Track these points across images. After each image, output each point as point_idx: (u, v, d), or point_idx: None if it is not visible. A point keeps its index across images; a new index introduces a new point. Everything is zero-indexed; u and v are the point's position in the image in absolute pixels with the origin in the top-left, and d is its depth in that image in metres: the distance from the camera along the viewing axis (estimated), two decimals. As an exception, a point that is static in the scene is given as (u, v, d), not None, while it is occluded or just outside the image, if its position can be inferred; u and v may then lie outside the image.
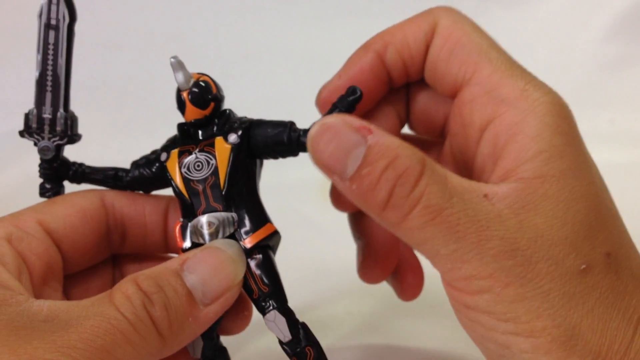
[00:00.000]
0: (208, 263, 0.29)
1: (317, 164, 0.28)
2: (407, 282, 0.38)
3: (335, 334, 0.43)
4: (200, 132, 0.33)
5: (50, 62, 0.33)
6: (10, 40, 0.81)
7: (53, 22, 0.33)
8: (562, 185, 0.28)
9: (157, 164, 0.34)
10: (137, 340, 0.26)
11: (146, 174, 0.34)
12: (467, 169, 0.33)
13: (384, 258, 0.37)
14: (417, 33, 0.33)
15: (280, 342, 0.31)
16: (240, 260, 0.31)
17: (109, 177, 0.35)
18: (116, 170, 0.35)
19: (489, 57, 0.31)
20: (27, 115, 0.34)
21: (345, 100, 0.31)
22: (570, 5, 0.84)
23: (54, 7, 0.33)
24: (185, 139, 0.33)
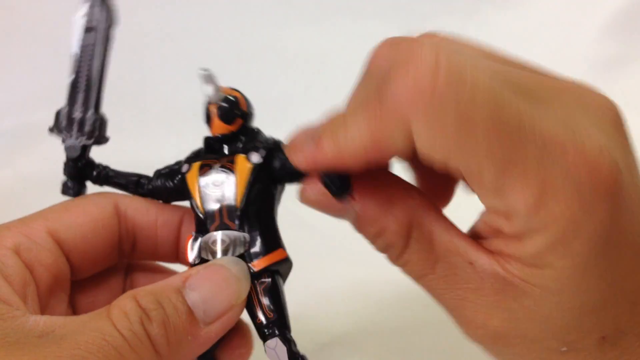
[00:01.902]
0: (211, 280, 0.29)
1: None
2: None
3: (330, 335, 0.43)
4: (225, 148, 0.33)
5: (85, 64, 0.33)
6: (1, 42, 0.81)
7: (92, 24, 0.33)
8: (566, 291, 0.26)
9: (179, 176, 0.34)
10: (132, 358, 0.26)
11: (167, 185, 0.34)
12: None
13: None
14: (394, 140, 0.26)
15: None
16: (245, 279, 0.30)
17: (131, 183, 0.35)
18: (139, 177, 0.35)
19: (492, 154, 0.24)
20: (58, 113, 0.34)
21: (335, 189, 0.29)
22: (563, 5, 0.84)
23: (94, 10, 0.33)
24: (209, 152, 0.33)
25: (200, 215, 0.32)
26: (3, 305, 0.27)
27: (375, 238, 0.29)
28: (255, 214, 0.32)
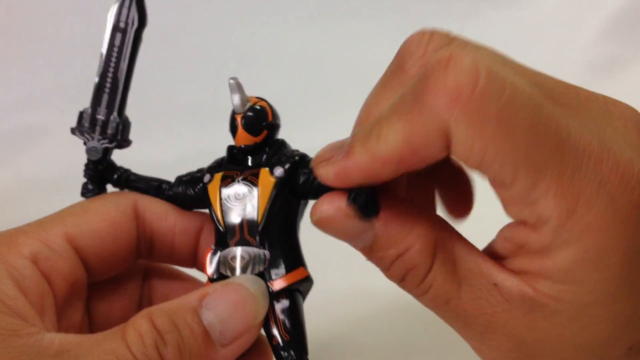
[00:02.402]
0: (228, 300, 0.28)
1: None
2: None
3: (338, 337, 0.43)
4: (249, 159, 0.32)
5: (112, 65, 0.33)
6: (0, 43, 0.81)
7: (122, 24, 0.33)
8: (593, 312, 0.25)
9: (200, 185, 0.33)
10: None
11: (188, 193, 0.33)
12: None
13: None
14: (430, 149, 0.25)
15: None
16: (263, 299, 0.29)
17: (152, 189, 0.34)
18: (160, 182, 0.34)
19: (527, 160, 0.24)
20: (81, 114, 0.33)
21: (364, 206, 0.27)
22: (561, 7, 0.84)
23: (124, 10, 0.33)
24: (232, 163, 0.32)
25: (221, 229, 0.31)
26: (19, 320, 0.26)
27: (395, 261, 0.27)
28: (277, 230, 0.31)
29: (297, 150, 0.32)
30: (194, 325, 0.27)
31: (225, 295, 0.28)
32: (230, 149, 0.33)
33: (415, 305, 0.40)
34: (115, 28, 0.33)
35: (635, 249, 0.24)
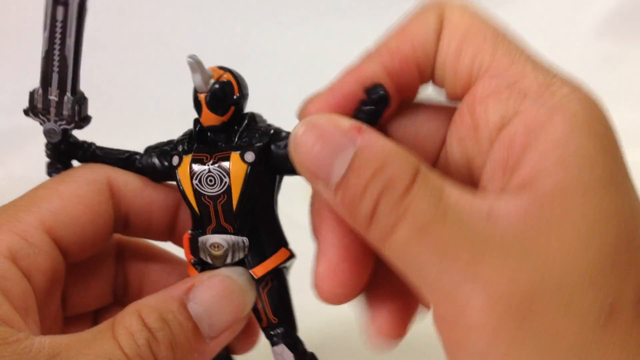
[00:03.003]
0: (216, 292, 0.28)
1: (300, 169, 0.26)
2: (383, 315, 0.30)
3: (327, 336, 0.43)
4: (216, 138, 0.30)
5: (57, 42, 0.30)
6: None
7: None
8: (589, 201, 0.22)
9: (167, 161, 0.32)
10: None
11: (157, 165, 0.32)
12: (472, 183, 0.28)
13: (353, 262, 0.29)
14: (425, 29, 0.28)
15: None
16: (251, 290, 0.29)
17: (120, 161, 0.33)
18: (129, 154, 0.33)
19: (507, 46, 0.26)
20: (32, 94, 0.31)
21: (369, 109, 0.27)
22: (558, 3, 0.84)
23: None
24: (201, 142, 0.30)
25: (196, 214, 0.30)
26: (6, 327, 0.25)
27: (370, 181, 0.23)
28: (253, 215, 0.30)
29: (270, 125, 0.30)
30: (183, 320, 0.26)
31: (212, 288, 0.28)
32: (198, 124, 0.31)
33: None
34: (56, 1, 0.30)
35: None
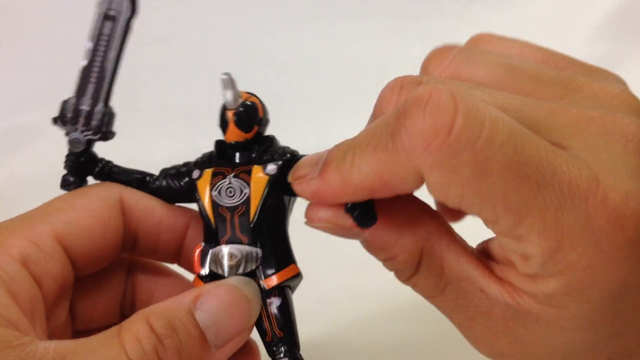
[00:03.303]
0: (222, 302, 0.28)
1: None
2: None
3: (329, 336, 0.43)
4: (237, 155, 0.31)
5: (100, 54, 0.31)
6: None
7: (112, 13, 0.31)
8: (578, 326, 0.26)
9: (187, 179, 0.32)
10: None
11: (174, 186, 0.33)
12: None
13: None
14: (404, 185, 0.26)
15: None
16: (256, 300, 0.29)
17: (135, 181, 0.33)
18: (144, 175, 0.33)
19: (508, 203, 0.24)
20: (64, 103, 0.32)
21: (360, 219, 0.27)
22: (556, 6, 0.84)
23: None
24: (222, 159, 0.32)
25: (211, 226, 0.31)
26: (12, 331, 0.25)
27: (383, 261, 0.28)
28: (268, 228, 0.30)
29: (288, 147, 0.32)
30: (191, 328, 0.26)
31: (219, 297, 0.28)
32: (220, 144, 0.32)
33: (409, 305, 0.40)
34: (106, 16, 0.31)
35: (623, 285, 0.24)
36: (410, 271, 0.28)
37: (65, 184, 0.33)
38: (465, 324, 0.28)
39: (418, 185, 0.25)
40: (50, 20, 0.80)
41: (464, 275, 0.27)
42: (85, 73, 0.32)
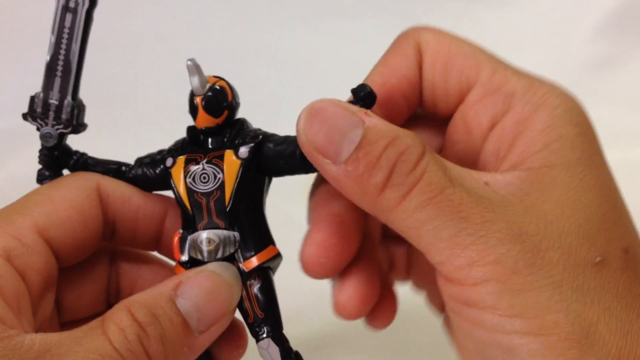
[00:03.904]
0: (203, 288, 0.28)
1: (308, 148, 0.27)
2: (381, 308, 0.33)
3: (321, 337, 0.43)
4: (210, 140, 0.31)
5: (63, 47, 0.31)
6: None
7: (72, 4, 0.31)
8: (573, 173, 0.26)
9: (161, 166, 0.32)
10: None
11: (149, 175, 0.33)
12: None
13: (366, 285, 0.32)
14: (406, 61, 0.31)
15: None
16: (237, 284, 0.29)
17: (111, 171, 0.34)
18: (119, 165, 0.34)
19: (487, 59, 0.30)
20: (32, 99, 0.32)
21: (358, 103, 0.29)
22: (556, 5, 0.84)
23: None
24: (194, 145, 0.32)
25: (188, 212, 0.31)
26: None
27: (384, 151, 0.25)
28: (245, 211, 0.31)
29: (259, 129, 0.32)
30: (172, 315, 0.27)
31: (200, 283, 0.28)
32: (191, 130, 0.32)
33: (409, 305, 0.40)
34: (65, 8, 0.31)
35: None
36: (419, 148, 0.26)
37: (40, 178, 0.33)
38: (481, 227, 0.25)
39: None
40: (48, 19, 0.80)
41: (466, 174, 0.27)
42: (51, 67, 0.32)
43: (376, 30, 0.84)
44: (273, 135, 0.31)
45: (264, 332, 0.30)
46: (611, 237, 0.26)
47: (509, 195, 0.26)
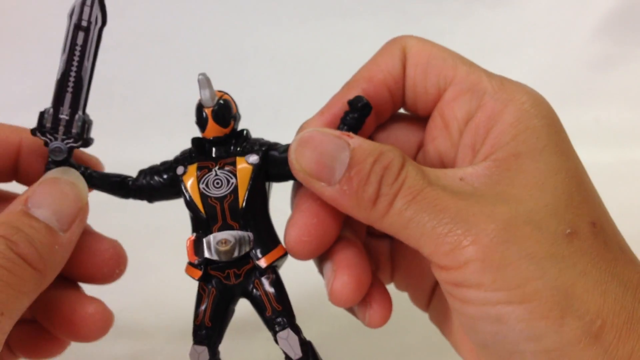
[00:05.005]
0: (51, 194, 0.30)
1: (303, 175, 0.30)
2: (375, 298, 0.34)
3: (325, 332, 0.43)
4: (214, 150, 0.33)
5: (75, 64, 0.33)
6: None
7: (84, 23, 0.32)
8: (538, 160, 0.29)
9: (170, 174, 0.34)
10: (16, 281, 0.27)
11: (154, 184, 0.34)
12: (447, 167, 0.34)
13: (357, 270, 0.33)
14: (392, 60, 0.34)
15: None
16: (79, 181, 0.32)
17: (115, 184, 0.34)
18: (123, 177, 0.35)
19: (463, 62, 0.33)
20: (42, 114, 0.33)
21: (352, 117, 0.32)
22: (556, 5, 0.84)
23: (86, 9, 0.32)
24: (201, 154, 0.33)
25: (202, 216, 0.32)
26: None
27: (372, 167, 0.29)
28: (256, 213, 0.33)
29: (262, 139, 0.34)
30: (32, 222, 0.29)
31: (46, 191, 0.30)
32: (198, 140, 0.34)
33: (409, 305, 0.40)
34: (78, 27, 0.32)
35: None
36: (400, 160, 0.29)
37: None
38: (460, 214, 0.28)
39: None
40: (51, 21, 0.80)
41: (441, 174, 0.30)
42: (62, 83, 0.33)
43: (376, 30, 0.84)
44: (276, 144, 0.33)
45: (284, 323, 0.32)
46: (579, 213, 0.28)
47: (481, 186, 0.29)
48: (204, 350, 0.32)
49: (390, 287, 0.37)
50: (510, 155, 0.29)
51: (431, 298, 0.37)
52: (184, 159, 0.34)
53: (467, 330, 0.29)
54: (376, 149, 0.29)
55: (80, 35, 0.32)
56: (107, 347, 0.46)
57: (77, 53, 0.33)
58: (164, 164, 0.34)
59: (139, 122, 0.76)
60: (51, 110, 0.33)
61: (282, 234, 0.33)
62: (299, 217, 0.32)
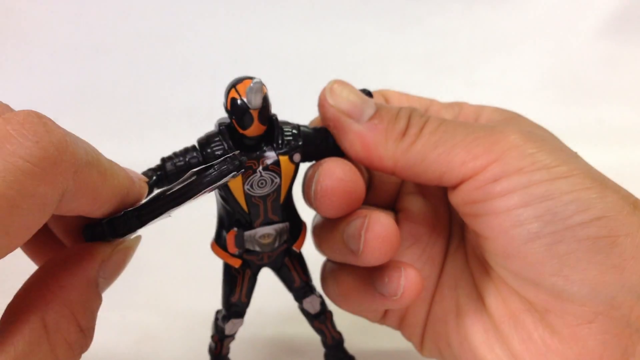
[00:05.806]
0: (120, 265, 0.29)
1: (334, 112, 0.32)
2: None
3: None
4: (252, 143, 0.32)
5: (185, 190, 0.29)
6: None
7: (219, 167, 0.29)
8: (510, 123, 0.35)
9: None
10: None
11: (184, 167, 0.33)
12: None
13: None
14: (376, 99, 0.36)
15: (311, 317, 0.39)
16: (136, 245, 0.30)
17: (151, 187, 0.32)
18: (156, 177, 0.33)
19: (437, 101, 0.39)
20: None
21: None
22: (558, 5, 0.84)
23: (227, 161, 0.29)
24: (239, 147, 0.32)
25: (245, 213, 0.34)
26: None
27: (401, 108, 0.33)
28: (289, 203, 0.35)
29: (289, 124, 0.34)
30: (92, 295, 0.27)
31: (117, 262, 0.29)
32: (239, 137, 0.32)
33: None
34: (211, 165, 0.29)
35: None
36: (422, 109, 0.35)
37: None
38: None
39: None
40: (51, 21, 0.80)
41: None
42: (163, 195, 0.29)
43: (377, 31, 0.84)
44: (306, 128, 0.34)
45: (310, 290, 0.38)
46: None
47: (493, 120, 0.35)
48: (240, 321, 0.38)
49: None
50: (504, 118, 0.34)
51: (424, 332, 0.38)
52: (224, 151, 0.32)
53: (509, 232, 0.30)
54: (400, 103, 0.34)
55: (208, 172, 0.29)
56: (110, 345, 0.47)
57: (195, 183, 0.29)
58: (187, 151, 0.33)
59: (142, 123, 0.76)
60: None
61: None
62: (333, 168, 0.32)
